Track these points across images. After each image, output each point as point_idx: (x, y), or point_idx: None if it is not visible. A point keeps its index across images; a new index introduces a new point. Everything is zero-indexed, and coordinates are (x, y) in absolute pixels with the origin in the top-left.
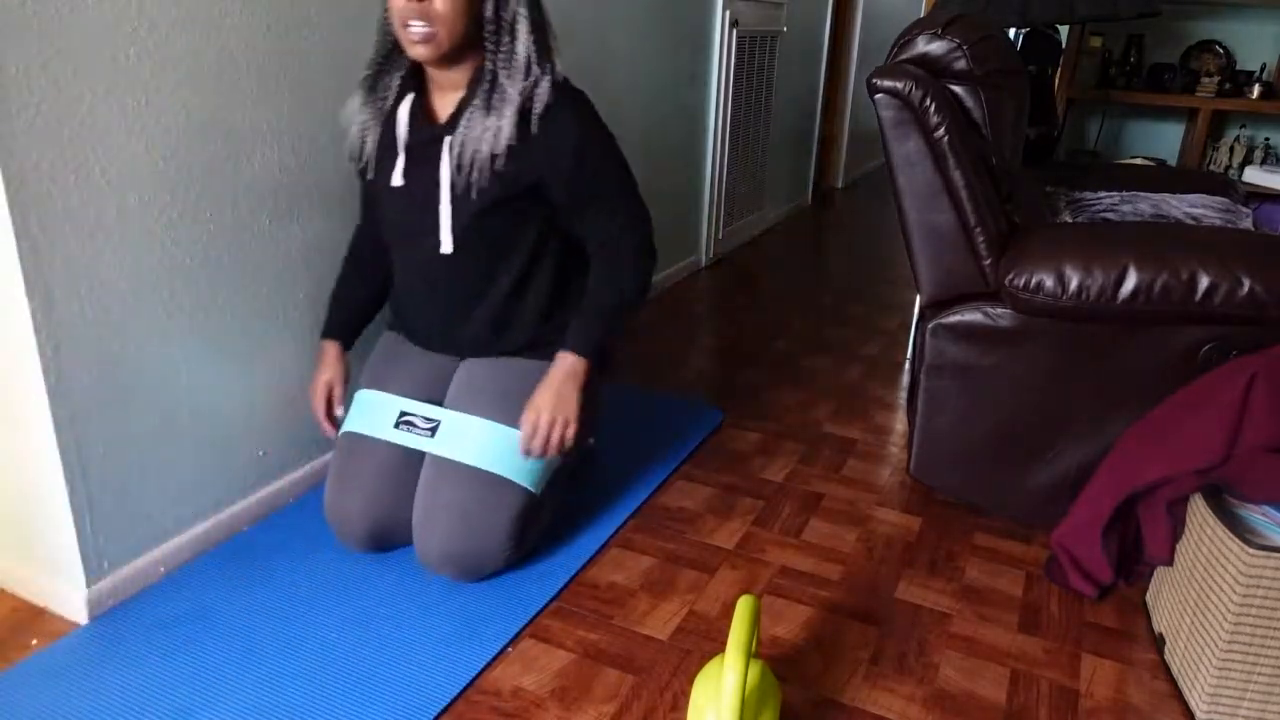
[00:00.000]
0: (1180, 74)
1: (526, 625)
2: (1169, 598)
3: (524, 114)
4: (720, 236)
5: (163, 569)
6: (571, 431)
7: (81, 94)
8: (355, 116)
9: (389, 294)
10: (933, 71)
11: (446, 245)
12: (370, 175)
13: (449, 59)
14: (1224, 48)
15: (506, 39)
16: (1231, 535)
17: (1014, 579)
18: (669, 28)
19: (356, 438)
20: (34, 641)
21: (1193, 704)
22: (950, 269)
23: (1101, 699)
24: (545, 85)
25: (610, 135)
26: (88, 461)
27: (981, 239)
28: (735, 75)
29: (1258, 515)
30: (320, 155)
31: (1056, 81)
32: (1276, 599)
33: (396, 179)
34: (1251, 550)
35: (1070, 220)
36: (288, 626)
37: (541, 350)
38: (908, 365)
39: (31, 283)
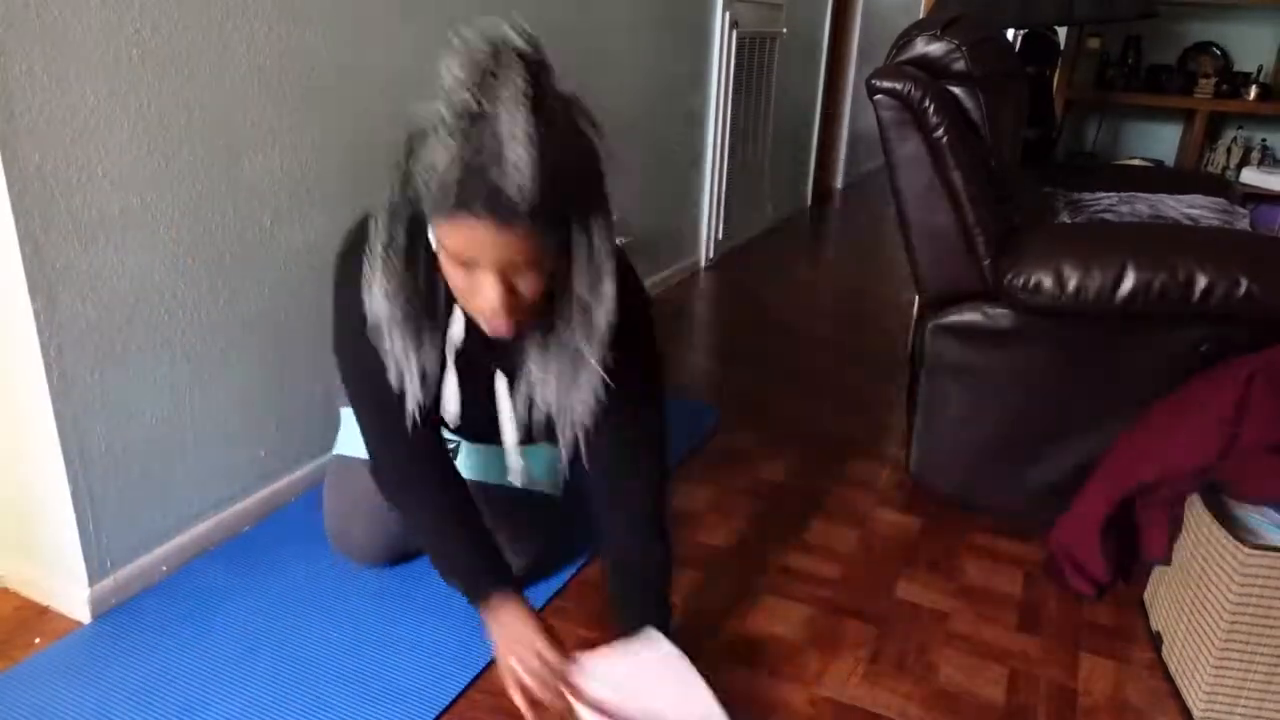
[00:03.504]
0: (1178, 75)
1: None
2: (1166, 597)
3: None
4: (720, 236)
5: (165, 568)
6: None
7: (84, 95)
8: (404, 360)
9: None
10: (932, 72)
11: (513, 450)
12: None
13: None
14: (1221, 49)
15: (583, 313)
16: (1228, 535)
17: (1013, 578)
18: (669, 28)
19: (356, 462)
20: (37, 640)
21: (1190, 702)
22: (950, 269)
23: (1100, 697)
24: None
25: (656, 360)
26: (90, 461)
27: (981, 239)
28: (735, 75)
29: (1255, 515)
30: (320, 155)
31: (1055, 82)
32: (1272, 597)
33: (450, 413)
34: (1248, 549)
35: (1068, 220)
36: (289, 626)
37: None
38: (908, 365)
39: (34, 283)
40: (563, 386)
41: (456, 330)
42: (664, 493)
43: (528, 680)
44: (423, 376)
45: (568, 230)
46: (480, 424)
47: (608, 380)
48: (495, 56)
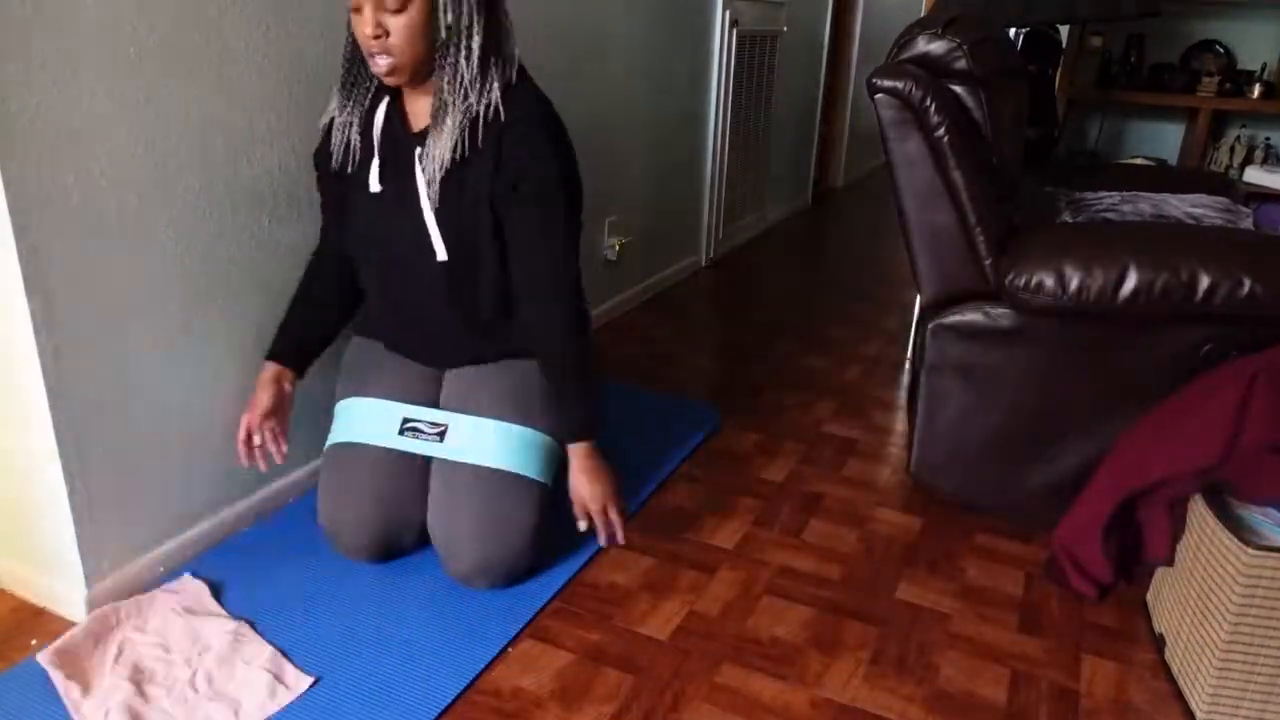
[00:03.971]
0: (1180, 74)
1: (526, 625)
2: (1169, 598)
3: (475, 126)
4: (720, 236)
5: (162, 569)
6: (621, 502)
7: (81, 94)
8: (335, 116)
9: (350, 317)
10: (933, 71)
11: (441, 253)
12: (349, 171)
13: (417, 79)
14: (1224, 47)
15: (452, 59)
16: (1231, 535)
17: (1014, 579)
18: (669, 28)
19: (350, 447)
20: (34, 641)
21: (1193, 704)
22: (950, 269)
23: (1101, 699)
24: (493, 98)
25: (568, 164)
26: (87, 462)
27: (981, 239)
28: (735, 75)
29: (1258, 515)
30: None
31: (1056, 81)
32: (1276, 599)
33: (373, 184)
34: (1252, 550)
35: (1070, 220)
36: (287, 627)
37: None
38: (908, 365)
39: (31, 283)
40: (434, 134)
41: (380, 114)
42: (564, 285)
43: (243, 422)
44: (346, 130)
45: None
46: (396, 222)
47: (479, 130)
48: None
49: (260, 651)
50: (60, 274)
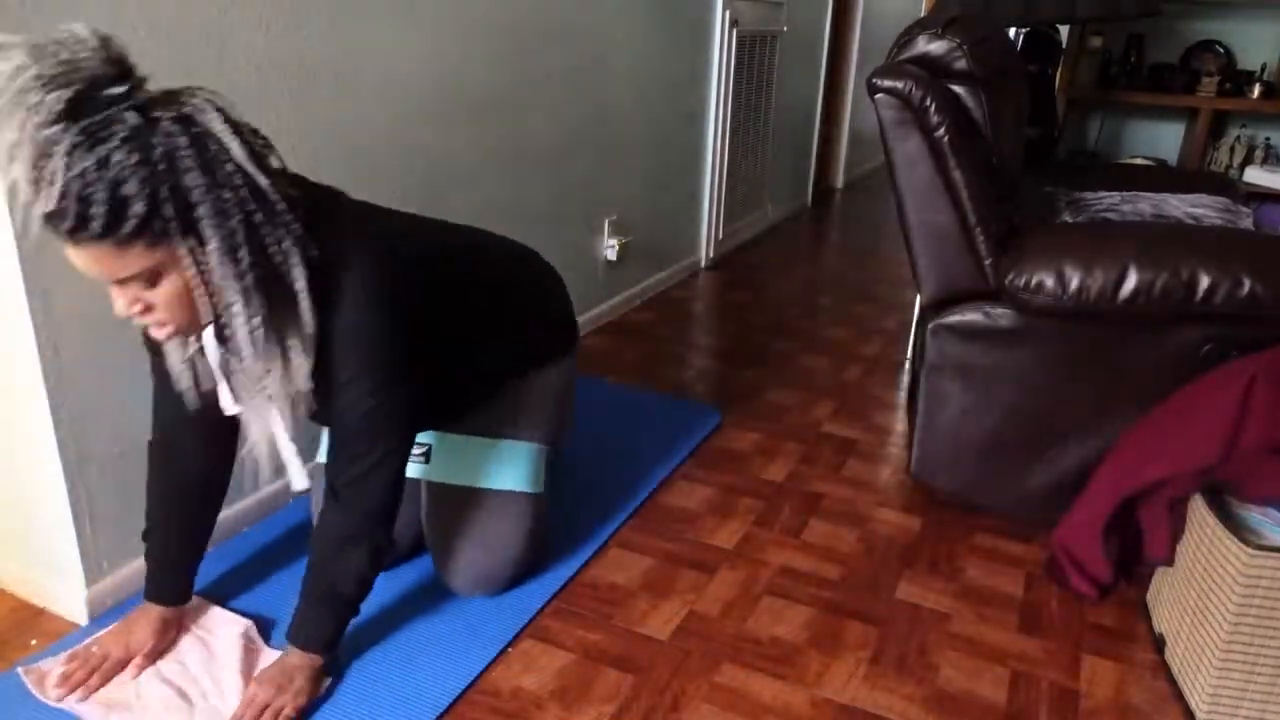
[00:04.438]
0: (1180, 74)
1: (526, 625)
2: (1169, 598)
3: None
4: (720, 236)
5: None
6: (287, 716)
7: None
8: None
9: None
10: (933, 71)
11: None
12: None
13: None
14: (1224, 47)
15: (230, 335)
16: (1231, 535)
17: (1014, 579)
18: (669, 28)
19: None
20: (34, 642)
21: (1193, 704)
22: (950, 269)
23: (1102, 699)
24: (299, 381)
25: (390, 350)
26: (87, 461)
27: (982, 238)
28: (735, 75)
29: (1258, 515)
30: (320, 155)
31: (1057, 81)
32: (1276, 599)
33: (229, 407)
34: (1251, 550)
35: (1070, 220)
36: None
37: (509, 376)
38: (908, 365)
39: (31, 283)
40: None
41: (209, 333)
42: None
43: (81, 654)
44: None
45: (169, 244)
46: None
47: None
48: (13, 76)
49: (269, 657)
50: (60, 273)
